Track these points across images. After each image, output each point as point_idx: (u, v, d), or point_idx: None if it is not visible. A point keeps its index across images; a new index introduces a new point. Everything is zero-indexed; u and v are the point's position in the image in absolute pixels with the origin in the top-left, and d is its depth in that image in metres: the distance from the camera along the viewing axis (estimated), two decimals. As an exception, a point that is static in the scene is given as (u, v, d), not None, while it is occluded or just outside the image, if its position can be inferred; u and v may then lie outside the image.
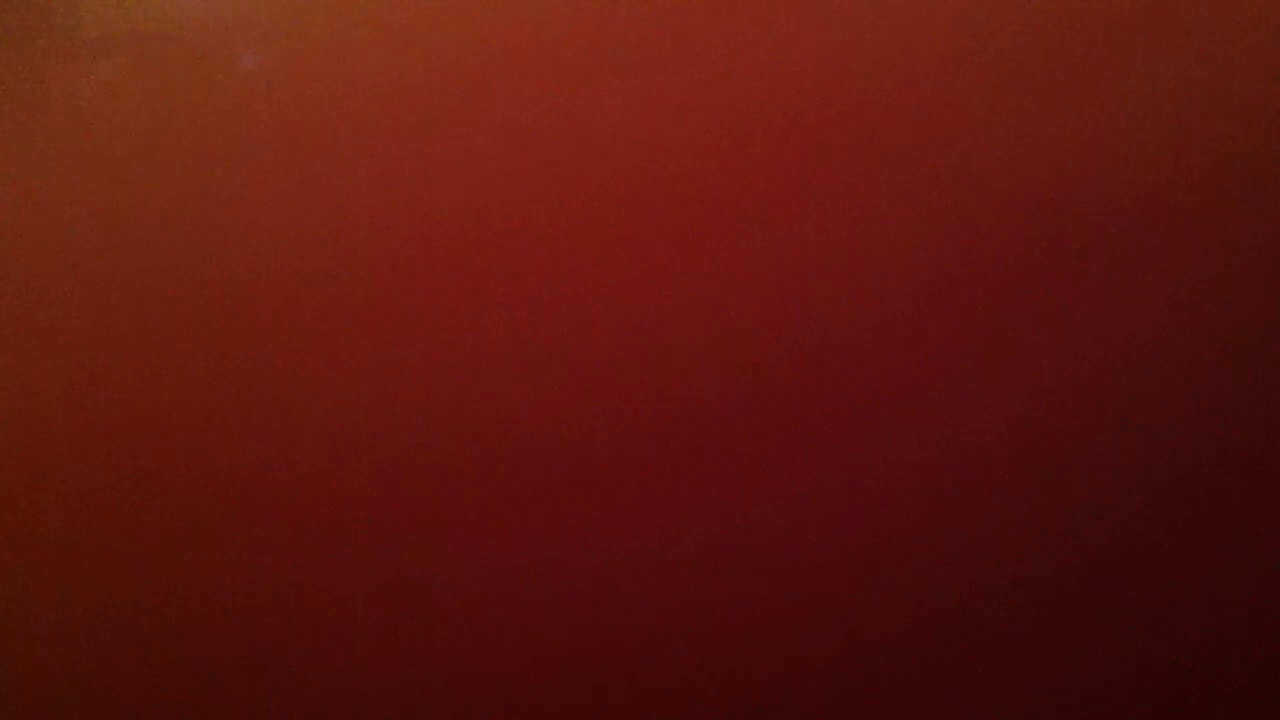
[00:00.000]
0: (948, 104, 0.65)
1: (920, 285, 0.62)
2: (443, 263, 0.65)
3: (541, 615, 0.60)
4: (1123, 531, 0.59)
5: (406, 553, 0.61)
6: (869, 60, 0.66)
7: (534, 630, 0.60)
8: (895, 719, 0.58)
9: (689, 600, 0.59)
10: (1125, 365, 0.61)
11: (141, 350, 0.65)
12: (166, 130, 0.69)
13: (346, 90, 0.68)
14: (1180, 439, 0.60)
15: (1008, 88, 0.65)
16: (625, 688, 0.59)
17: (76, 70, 0.71)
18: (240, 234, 0.66)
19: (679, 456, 0.61)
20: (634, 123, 0.66)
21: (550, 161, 0.66)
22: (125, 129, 0.69)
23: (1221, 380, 0.60)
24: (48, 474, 0.64)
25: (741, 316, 0.63)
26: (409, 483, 0.62)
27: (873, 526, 0.60)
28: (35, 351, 0.66)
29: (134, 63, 0.70)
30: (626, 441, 0.62)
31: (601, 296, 0.63)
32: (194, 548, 0.62)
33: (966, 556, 0.59)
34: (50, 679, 0.61)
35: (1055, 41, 0.66)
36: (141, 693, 0.61)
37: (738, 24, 0.67)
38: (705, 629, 0.59)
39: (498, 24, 0.69)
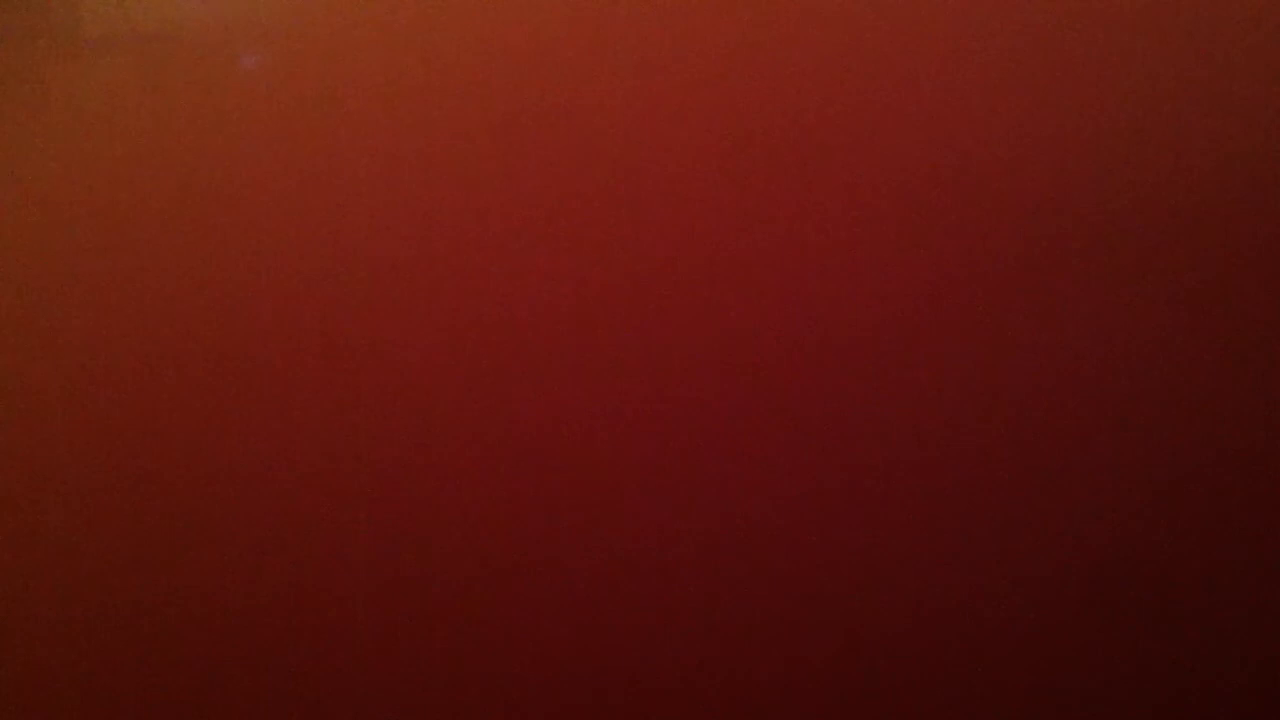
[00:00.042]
0: (948, 104, 0.65)
1: (920, 285, 0.62)
2: (443, 262, 0.65)
3: (541, 615, 0.60)
4: (1123, 531, 0.59)
5: (406, 553, 0.61)
6: (869, 60, 0.66)
7: (534, 630, 0.60)
8: (895, 719, 0.58)
9: (689, 600, 0.59)
10: (1125, 365, 0.61)
11: (141, 350, 0.65)
12: (166, 130, 0.69)
13: (346, 90, 0.68)
14: (1180, 439, 0.60)
15: (1008, 88, 0.65)
16: (625, 688, 0.59)
17: (76, 70, 0.70)
18: (240, 234, 0.66)
19: (679, 456, 0.61)
20: (634, 123, 0.66)
21: (550, 161, 0.66)
22: (125, 129, 0.69)
23: (1221, 380, 0.60)
24: (48, 474, 0.64)
25: (741, 316, 0.63)
26: (409, 483, 0.62)
27: (873, 526, 0.60)
28: (35, 351, 0.66)
29: (134, 63, 0.70)
30: (626, 441, 0.62)
31: (601, 296, 0.63)
32: (194, 548, 0.62)
33: (966, 556, 0.59)
34: (50, 679, 0.61)
35: (1055, 41, 0.66)
36: (141, 693, 0.61)
37: (738, 24, 0.67)
38: (705, 629, 0.59)
39: (498, 24, 0.68)
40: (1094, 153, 0.64)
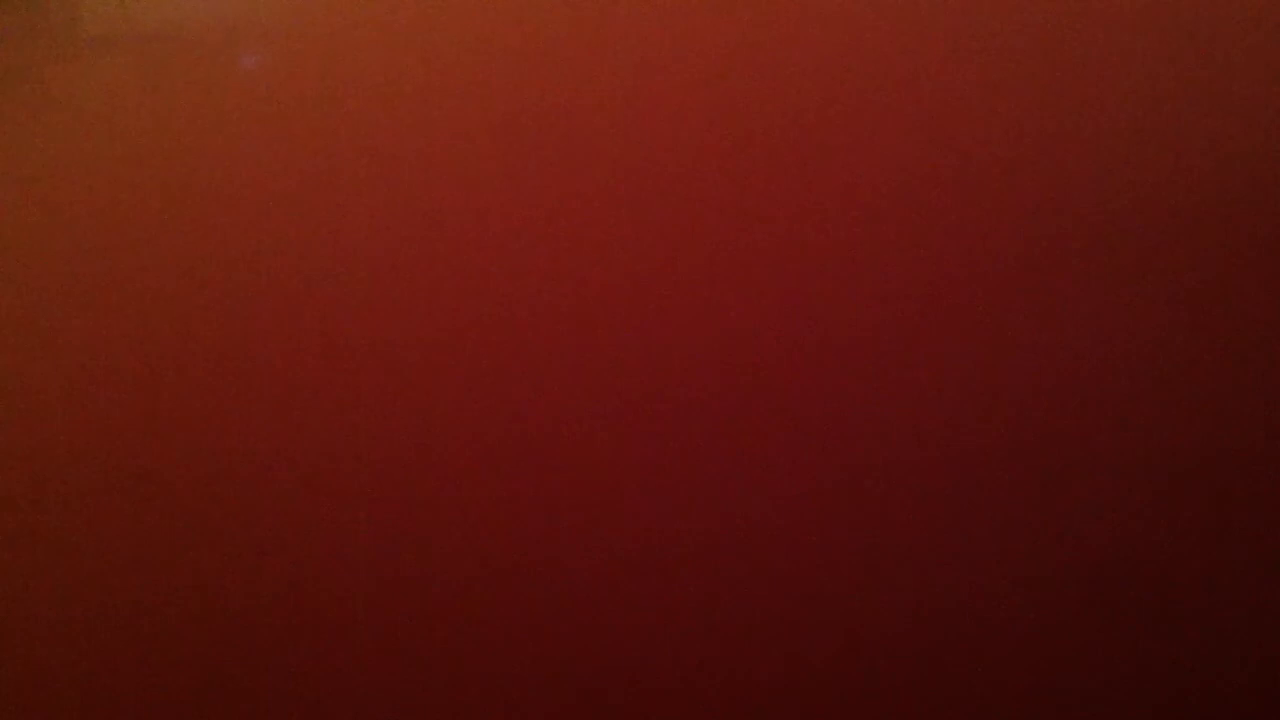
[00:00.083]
0: (948, 104, 0.65)
1: (920, 285, 0.62)
2: (443, 262, 0.65)
3: (541, 615, 0.60)
4: (1123, 531, 0.59)
5: (406, 553, 0.61)
6: (869, 60, 0.66)
7: (534, 630, 0.60)
8: (895, 719, 0.58)
9: (689, 600, 0.59)
10: (1125, 365, 0.61)
11: (141, 350, 0.65)
12: (166, 130, 0.69)
13: (346, 90, 0.68)
14: (1180, 439, 0.60)
15: (1008, 88, 0.65)
16: (625, 688, 0.59)
17: (76, 70, 0.70)
18: (240, 234, 0.66)
19: (679, 456, 0.61)
20: (634, 122, 0.66)
21: (550, 161, 0.66)
22: (125, 129, 0.69)
23: (1221, 380, 0.60)
24: (48, 474, 0.64)
25: (741, 316, 0.63)
26: (409, 483, 0.62)
27: (873, 526, 0.60)
28: (35, 351, 0.66)
29: (134, 63, 0.70)
30: (626, 441, 0.62)
31: (601, 296, 0.63)
32: (194, 548, 0.62)
33: (966, 556, 0.59)
34: (50, 679, 0.61)
35: (1055, 41, 0.66)
36: (141, 693, 0.61)
37: (737, 24, 0.67)
38: (705, 629, 0.59)
39: (498, 24, 0.68)
40: (1094, 153, 0.64)
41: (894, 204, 0.63)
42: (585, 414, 0.62)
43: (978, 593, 0.58)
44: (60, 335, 0.66)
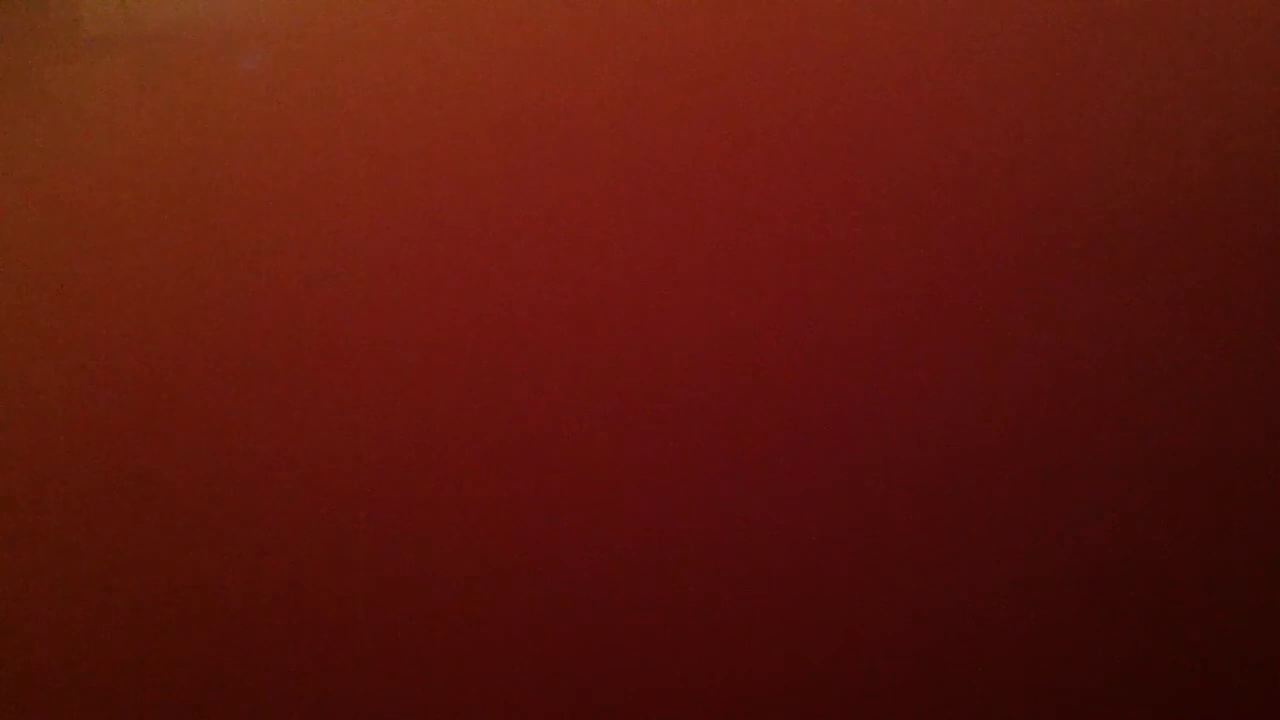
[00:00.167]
0: (948, 104, 0.65)
1: (920, 285, 0.62)
2: (443, 262, 0.65)
3: (541, 615, 0.60)
4: (1123, 531, 0.59)
5: (406, 553, 0.61)
6: (869, 60, 0.66)
7: (534, 630, 0.60)
8: (895, 719, 0.58)
9: (689, 600, 0.59)
10: (1125, 365, 0.61)
11: (141, 350, 0.65)
12: (166, 130, 0.69)
13: (346, 90, 0.68)
14: (1180, 439, 0.60)
15: (1008, 88, 0.65)
16: (625, 688, 0.59)
17: (76, 70, 0.70)
18: (240, 233, 0.66)
19: (679, 456, 0.61)
20: (634, 122, 0.66)
21: (550, 161, 0.66)
22: (125, 129, 0.69)
23: (1221, 380, 0.60)
24: (48, 474, 0.64)
25: (742, 316, 0.63)
26: (409, 483, 0.62)
27: (873, 526, 0.60)
28: (35, 351, 0.66)
29: (134, 63, 0.70)
30: (626, 441, 0.62)
31: (601, 296, 0.63)
32: (194, 548, 0.62)
33: (967, 556, 0.59)
34: (50, 679, 0.61)
35: (1055, 41, 0.66)
36: (141, 693, 0.61)
37: (738, 24, 0.67)
38: (705, 629, 0.59)
39: (498, 24, 0.68)
40: (1094, 153, 0.64)
41: (894, 204, 0.63)
42: (585, 414, 0.62)
43: (978, 593, 0.58)
44: (60, 335, 0.66)
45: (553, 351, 0.63)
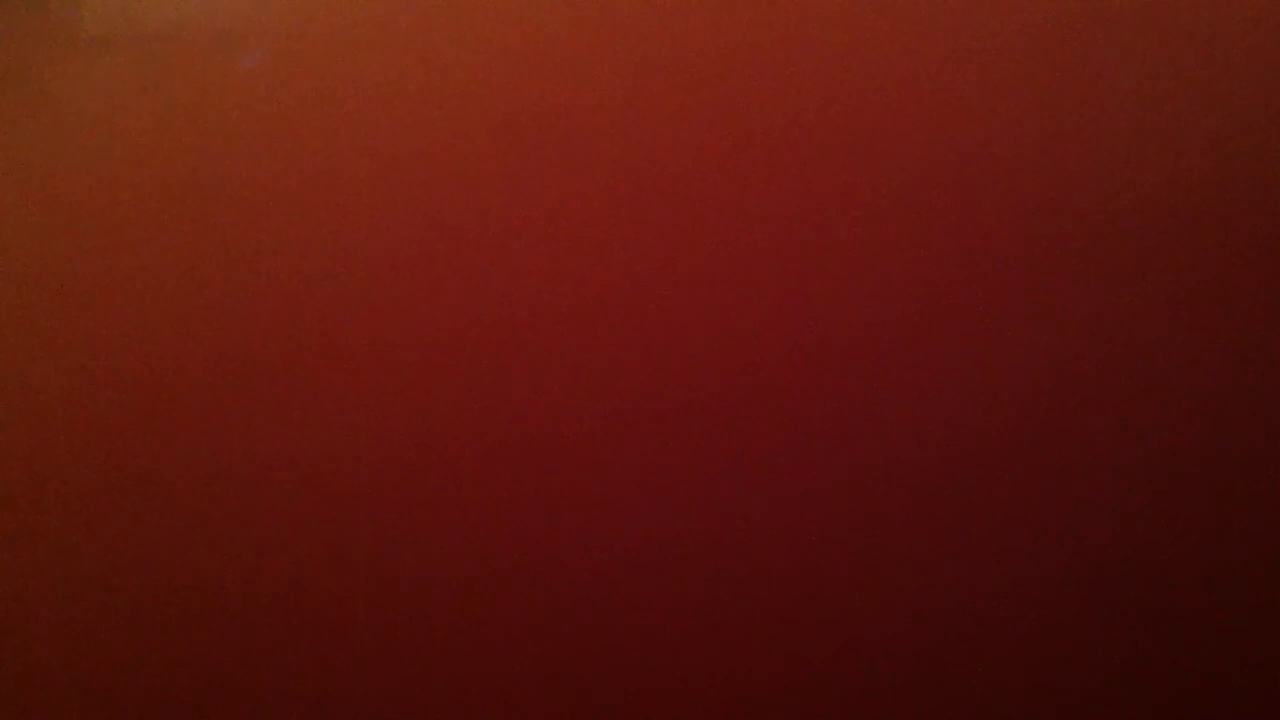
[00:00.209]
0: (948, 104, 0.65)
1: (920, 285, 0.62)
2: (443, 262, 0.65)
3: (542, 615, 0.60)
4: (1123, 531, 0.59)
5: (406, 553, 0.61)
6: (869, 60, 0.66)
7: (534, 630, 0.60)
8: (895, 719, 0.58)
9: (689, 600, 0.59)
10: (1125, 365, 0.61)
11: (141, 350, 0.65)
12: (166, 130, 0.69)
13: (346, 90, 0.68)
14: (1180, 439, 0.60)
15: (1008, 88, 0.65)
16: (625, 688, 0.59)
17: (76, 70, 0.71)
18: (240, 234, 0.66)
19: (679, 456, 0.61)
20: (633, 122, 0.66)
21: (550, 161, 0.66)
22: (125, 129, 0.69)
23: (1221, 380, 0.60)
24: (48, 474, 0.64)
25: (742, 316, 0.63)
26: (409, 483, 0.62)
27: (873, 526, 0.60)
28: (35, 351, 0.66)
29: (134, 63, 0.70)
30: (626, 441, 0.62)
31: (601, 296, 0.63)
32: (194, 548, 0.62)
33: (967, 556, 0.59)
34: (50, 679, 0.61)
35: (1055, 41, 0.66)
36: (141, 693, 0.61)
37: (738, 24, 0.67)
38: (705, 629, 0.59)
39: (498, 24, 0.69)
40: (1094, 153, 0.64)
41: (894, 204, 0.63)
42: (585, 414, 0.62)
43: (978, 593, 0.58)
44: (60, 335, 0.66)
45: (553, 351, 0.63)
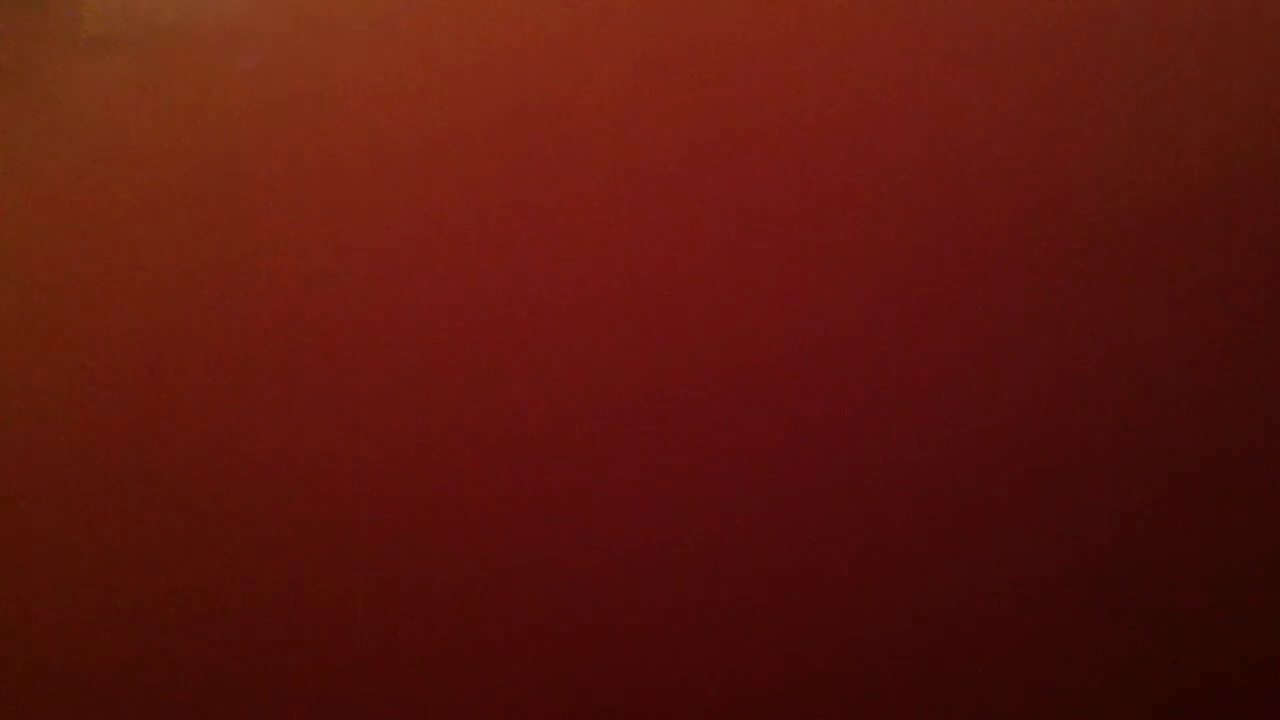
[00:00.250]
0: (948, 104, 0.65)
1: (920, 285, 0.62)
2: (443, 262, 0.65)
3: (541, 615, 0.60)
4: (1123, 531, 0.59)
5: (406, 553, 0.61)
6: (869, 60, 0.66)
7: (534, 630, 0.60)
8: (895, 719, 0.58)
9: (689, 600, 0.59)
10: (1125, 365, 0.61)
11: (141, 350, 0.65)
12: (166, 130, 0.69)
13: (346, 90, 0.68)
14: (1180, 439, 0.60)
15: (1008, 88, 0.65)
16: (625, 688, 0.59)
17: (76, 70, 0.71)
18: (240, 233, 0.66)
19: (679, 456, 0.61)
20: (633, 122, 0.66)
21: (550, 161, 0.66)
22: (125, 129, 0.69)
23: (1221, 380, 0.60)
24: (48, 474, 0.64)
25: (741, 316, 0.63)
26: (409, 483, 0.62)
27: (873, 526, 0.60)
28: (35, 351, 0.66)
29: (134, 63, 0.70)
30: (626, 441, 0.62)
31: (601, 296, 0.63)
32: (194, 548, 0.62)
33: (966, 556, 0.59)
34: (50, 679, 0.61)
35: (1055, 41, 0.66)
36: (141, 693, 0.61)
37: (738, 24, 0.67)
38: (705, 629, 0.59)
39: (498, 24, 0.69)
40: (1094, 153, 0.64)
41: (894, 204, 0.63)
42: (585, 414, 0.62)
43: (978, 593, 0.58)
44: (60, 335, 0.66)
45: (553, 351, 0.63)
